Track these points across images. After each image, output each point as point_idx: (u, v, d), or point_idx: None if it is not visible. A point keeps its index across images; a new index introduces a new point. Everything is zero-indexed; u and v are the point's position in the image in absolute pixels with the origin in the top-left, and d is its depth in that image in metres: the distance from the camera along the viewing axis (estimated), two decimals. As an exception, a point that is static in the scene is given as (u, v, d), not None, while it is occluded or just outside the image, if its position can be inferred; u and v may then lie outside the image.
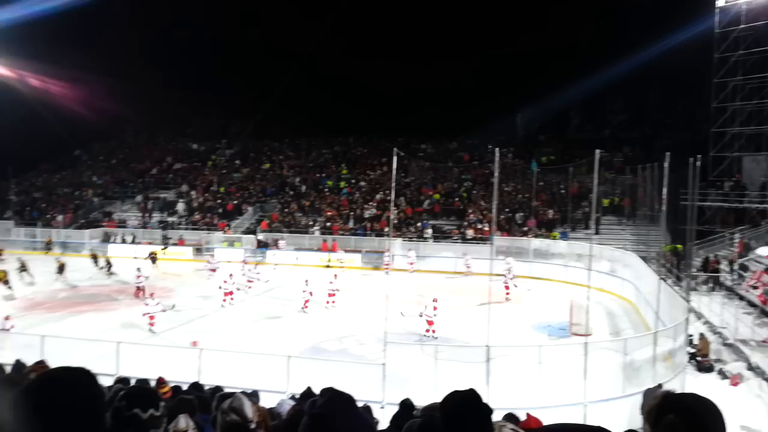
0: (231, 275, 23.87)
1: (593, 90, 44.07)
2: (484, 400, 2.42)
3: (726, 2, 33.34)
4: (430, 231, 34.46)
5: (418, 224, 35.35)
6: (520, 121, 51.86)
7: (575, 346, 16.69)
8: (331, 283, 23.18)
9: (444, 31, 51.27)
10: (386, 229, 29.81)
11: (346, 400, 2.19)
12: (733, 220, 31.73)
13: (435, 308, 19.18)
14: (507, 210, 36.07)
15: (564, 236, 32.60)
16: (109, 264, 29.12)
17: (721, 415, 1.67)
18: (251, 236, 36.01)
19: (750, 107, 33.03)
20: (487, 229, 33.40)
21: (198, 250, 35.08)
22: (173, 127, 55.09)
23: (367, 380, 13.44)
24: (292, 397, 7.26)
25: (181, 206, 41.18)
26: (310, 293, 22.42)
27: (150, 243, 35.68)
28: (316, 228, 36.37)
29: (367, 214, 37.01)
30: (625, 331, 20.08)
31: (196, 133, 55.22)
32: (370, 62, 51.60)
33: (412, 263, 30.49)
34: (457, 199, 38.54)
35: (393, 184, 16.70)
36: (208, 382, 10.45)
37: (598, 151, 17.39)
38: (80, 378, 1.74)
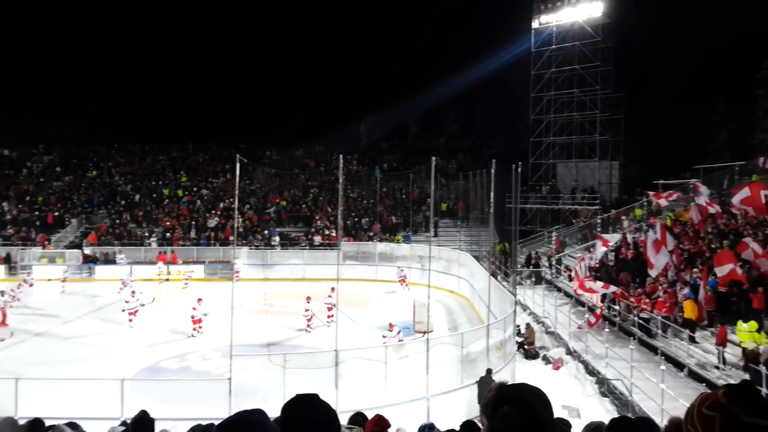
0: (133, 292, 21.64)
1: (429, 101, 47.04)
2: (334, 403, 2.40)
3: (540, 24, 37.40)
4: (277, 239, 33.97)
5: (265, 232, 34.67)
6: (363, 129, 53.33)
7: (418, 343, 17.52)
8: (194, 309, 21.28)
9: (287, 39, 51.15)
10: (231, 238, 28.80)
11: (258, 422, 2.04)
12: (550, 220, 35.58)
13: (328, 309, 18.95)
14: (353, 215, 36.81)
15: (407, 239, 34.08)
16: None
17: (548, 402, 1.81)
18: (76, 251, 32.59)
19: (561, 119, 37.31)
20: (334, 234, 33.77)
21: (12, 268, 30.97)
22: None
23: (212, 397, 12.84)
24: (123, 423, 6.67)
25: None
26: (312, 314, 20.99)
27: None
28: (153, 239, 34.00)
29: (210, 223, 35.46)
30: (462, 325, 21.46)
31: (8, 137, 48.70)
32: (211, 64, 49.83)
33: (238, 271, 29.65)
34: (303, 205, 38.47)
35: (236, 192, 16.22)
36: (27, 414, 9.26)
37: (434, 159, 18.46)
38: None
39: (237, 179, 16.58)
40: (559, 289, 24.66)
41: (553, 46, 36.96)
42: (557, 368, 16.81)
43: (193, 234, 34.78)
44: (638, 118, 38.42)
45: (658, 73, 40.35)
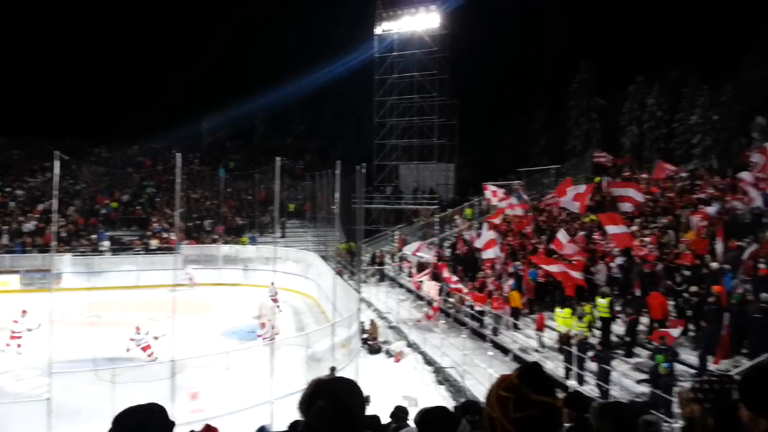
0: (24, 312, 18.09)
1: (276, 102, 46.45)
2: (170, 415, 2.26)
3: (382, 31, 38.72)
4: (107, 243, 31.20)
5: (93, 236, 31.66)
6: (206, 127, 51.10)
7: (263, 347, 17.20)
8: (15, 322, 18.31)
9: (119, 29, 47.34)
10: (52, 244, 25.84)
11: None
12: (393, 219, 37.02)
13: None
14: (195, 217, 35.08)
15: (253, 241, 33.28)
16: None
17: (360, 393, 1.88)
18: None
19: (403, 123, 38.98)
20: (173, 237, 31.87)
21: None
22: None
23: (29, 420, 11.48)
24: None
25: None
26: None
27: None
28: (-47, 248, 29.44)
29: (26, 227, 31.54)
30: (309, 326, 21.48)
31: None
32: (30, 55, 44.55)
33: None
34: (138, 207, 35.81)
35: (55, 192, 14.64)
36: None
37: (278, 159, 18.29)
38: None
39: (56, 178, 14.99)
40: (401, 285, 25.75)
41: (395, 53, 38.49)
42: (398, 361, 17.54)
43: (5, 240, 30.70)
44: (471, 123, 41.45)
45: (488, 83, 43.85)
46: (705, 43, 37.23)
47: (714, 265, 13.82)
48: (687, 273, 14.27)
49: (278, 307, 23.28)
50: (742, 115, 35.63)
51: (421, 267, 23.43)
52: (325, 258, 26.94)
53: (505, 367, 15.10)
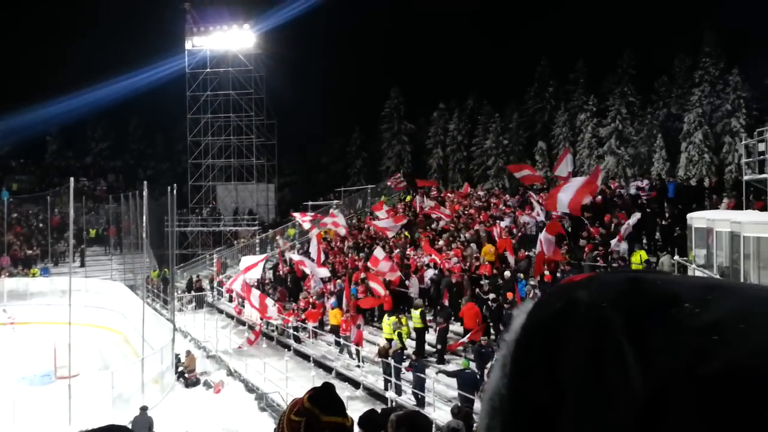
0: None
1: (72, 116, 41.84)
2: None
3: (193, 46, 37.22)
4: None
5: None
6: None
7: (58, 391, 15.29)
8: None
9: None
10: None
11: None
12: (212, 242, 35.49)
13: None
14: (-31, 248, 30.06)
15: (45, 272, 29.50)
16: None
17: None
18: None
19: (220, 142, 37.77)
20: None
21: None
22: None
23: None
24: None
25: None
26: None
27: None
28: None
29: None
30: (115, 363, 19.57)
31: None
32: None
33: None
34: None
35: None
36: None
37: (72, 179, 16.57)
38: None
39: None
40: (221, 311, 24.72)
41: (208, 70, 37.24)
42: (218, 392, 16.75)
43: None
44: (290, 144, 41.67)
45: (305, 104, 44.46)
46: (495, 74, 42.00)
47: (507, 273, 15.51)
48: (486, 282, 15.80)
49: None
50: (527, 140, 40.84)
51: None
52: (133, 287, 24.83)
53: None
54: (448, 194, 27.88)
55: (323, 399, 1.68)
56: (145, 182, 20.77)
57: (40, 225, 33.33)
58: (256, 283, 23.34)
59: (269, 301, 18.80)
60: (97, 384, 15.49)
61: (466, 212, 22.96)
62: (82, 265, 29.49)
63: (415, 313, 15.14)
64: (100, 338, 23.31)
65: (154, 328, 18.87)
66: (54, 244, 31.75)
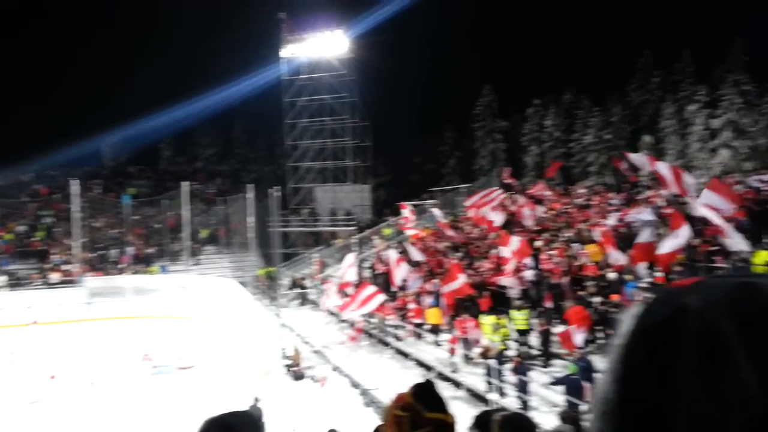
0: None
1: (183, 125, 45.05)
2: None
3: (290, 54, 38.76)
4: (3, 278, 28.77)
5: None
6: (108, 152, 48.64)
7: (182, 380, 16.59)
8: None
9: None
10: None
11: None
12: (311, 242, 36.82)
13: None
14: (98, 247, 33.11)
15: (164, 270, 31.90)
16: None
17: (257, 427, 1.92)
18: None
19: (316, 145, 39.09)
20: (75, 269, 29.93)
21: None
22: None
23: None
24: None
25: None
26: None
27: None
28: None
29: None
30: (229, 355, 20.83)
31: None
32: None
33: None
34: (35, 238, 33.33)
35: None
36: None
37: (184, 183, 17.78)
38: None
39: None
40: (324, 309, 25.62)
41: (303, 76, 38.60)
42: (323, 386, 17.41)
43: None
44: (384, 145, 42.33)
45: (397, 105, 45.02)
46: (594, 67, 40.46)
47: (612, 275, 14.93)
48: (591, 283, 15.30)
49: None
50: (631, 134, 38.93)
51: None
52: (243, 284, 26.31)
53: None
54: (546, 192, 27.12)
55: (426, 395, 1.71)
56: (249, 185, 21.81)
57: (158, 226, 36.06)
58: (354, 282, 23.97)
59: (378, 297, 19.13)
60: (213, 375, 16.65)
61: (566, 211, 22.35)
62: (197, 263, 31.60)
63: (518, 315, 14.98)
64: (214, 331, 24.90)
65: (263, 323, 19.91)
66: (170, 243, 34.26)
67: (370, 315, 20.53)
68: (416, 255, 21.03)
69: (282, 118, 39.28)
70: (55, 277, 29.74)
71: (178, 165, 47.95)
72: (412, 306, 19.01)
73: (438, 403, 1.71)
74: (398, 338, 18.94)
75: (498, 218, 20.59)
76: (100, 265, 31.62)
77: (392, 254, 22.00)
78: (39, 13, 45.89)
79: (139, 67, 48.52)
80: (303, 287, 28.73)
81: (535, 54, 44.31)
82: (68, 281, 29.26)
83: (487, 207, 20.91)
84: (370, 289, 19.10)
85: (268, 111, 42.93)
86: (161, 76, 46.81)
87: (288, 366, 18.71)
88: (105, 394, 16.06)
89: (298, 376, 18.48)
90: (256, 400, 14.70)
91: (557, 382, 12.19)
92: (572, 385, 11.46)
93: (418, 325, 18.63)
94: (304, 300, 28.09)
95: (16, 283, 29.08)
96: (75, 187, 29.67)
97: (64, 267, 30.64)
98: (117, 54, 47.99)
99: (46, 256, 31.69)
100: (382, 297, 18.98)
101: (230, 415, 1.93)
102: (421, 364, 17.03)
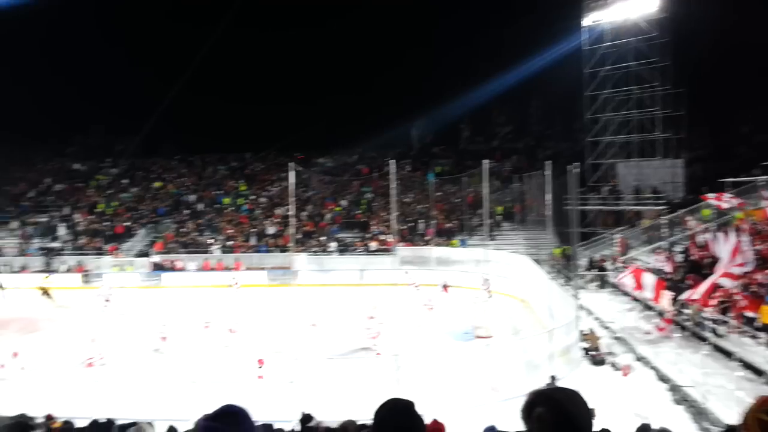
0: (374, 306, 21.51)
1: (480, 104, 46.57)
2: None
3: (592, 22, 36.49)
4: (334, 244, 34.43)
5: (323, 237, 35.17)
6: (415, 134, 53.38)
7: (479, 349, 17.40)
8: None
9: (339, 48, 51.77)
10: (290, 245, 29.40)
11: (240, 413, 2.17)
12: (612, 221, 34.52)
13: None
14: (408, 220, 36.89)
15: (463, 243, 33.86)
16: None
17: (584, 404, 1.79)
18: (144, 259, 34.04)
19: (619, 118, 36.22)
20: (390, 240, 33.95)
21: (86, 276, 32.63)
22: (51, 146, 50.93)
23: (275, 400, 13.16)
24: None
25: (63, 230, 38.13)
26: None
27: (36, 272, 32.78)
28: (216, 247, 35.10)
29: (269, 230, 36.30)
30: (524, 330, 21.12)
31: (77, 152, 51.48)
32: (263, 76, 51.13)
33: (417, 285, 27.59)
34: (358, 211, 38.86)
35: (292, 199, 16.50)
36: (106, 414, 9.80)
37: (485, 162, 18.28)
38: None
39: (292, 187, 16.90)
40: (625, 293, 23.90)
41: (606, 44, 35.98)
42: (626, 375, 16.31)
43: (253, 241, 35.69)
44: (702, 114, 36.85)
45: (722, 67, 38.54)
46: None
47: None
48: None
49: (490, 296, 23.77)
50: None
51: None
52: (537, 262, 26.23)
53: (761, 391, 13.13)
54: None
55: None
56: (548, 162, 21.40)
57: (458, 201, 38.36)
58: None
59: (666, 293, 17.28)
60: (510, 347, 17.01)
61: None
62: (492, 238, 32.66)
63: None
64: (510, 305, 25.54)
65: (559, 303, 19.54)
66: (468, 219, 36.12)
67: (683, 305, 18.37)
68: (744, 240, 17.88)
69: (581, 90, 37.44)
70: (373, 245, 34.25)
71: (477, 144, 49.99)
72: (739, 298, 16.34)
73: None
74: (717, 334, 16.52)
75: None
76: (409, 236, 35.20)
77: (715, 237, 19.16)
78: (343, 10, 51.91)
79: (440, 51, 51.43)
80: (602, 269, 27.21)
81: None
82: (384, 249, 33.35)
83: None
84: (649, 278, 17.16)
85: (566, 85, 41.37)
86: (462, 57, 48.75)
87: (586, 350, 18.04)
88: (416, 352, 17.84)
89: (597, 362, 17.68)
90: (553, 378, 14.60)
91: None
92: None
93: (748, 321, 15.93)
94: (603, 282, 26.62)
95: (344, 248, 34.38)
96: (392, 166, 33.33)
97: (381, 237, 35.04)
98: (416, 43, 51.65)
99: (367, 227, 36.65)
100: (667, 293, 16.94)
101: (557, 391, 1.91)
102: (748, 366, 14.56)
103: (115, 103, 49.02)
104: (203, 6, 46.90)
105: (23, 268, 33.76)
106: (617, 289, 24.80)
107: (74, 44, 45.45)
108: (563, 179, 28.37)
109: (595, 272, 27.35)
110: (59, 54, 46.09)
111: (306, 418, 7.19)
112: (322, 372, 15.14)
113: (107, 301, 26.30)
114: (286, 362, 15.59)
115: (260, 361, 15.71)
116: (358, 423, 6.24)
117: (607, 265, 27.47)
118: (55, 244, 36.65)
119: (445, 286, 26.20)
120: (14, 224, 39.47)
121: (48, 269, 33.08)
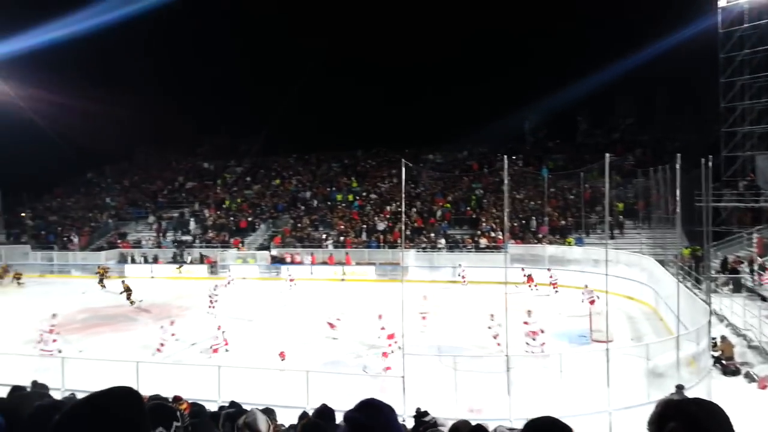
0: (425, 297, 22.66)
1: (600, 95, 44.08)
2: (507, 410, 2.34)
3: (728, 2, 33.18)
4: (443, 241, 34.32)
5: (431, 235, 35.21)
6: (528, 128, 51.86)
7: (597, 353, 16.49)
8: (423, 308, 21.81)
9: (453, 43, 51.50)
10: (400, 241, 29.73)
11: (388, 410, 2.16)
12: (749, 219, 31.31)
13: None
14: (520, 217, 35.91)
15: (579, 242, 32.35)
16: (128, 290, 27.09)
17: (726, 419, 1.60)
18: (265, 252, 36.07)
19: (760, 106, 32.73)
20: (500, 237, 33.23)
21: (212, 267, 35.22)
22: (183, 147, 55.64)
23: (387, 394, 13.32)
24: (304, 414, 7.25)
25: (193, 225, 41.43)
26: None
27: (169, 262, 36.05)
28: (329, 242, 36.37)
29: (379, 226, 36.98)
30: (647, 336, 19.80)
31: (207, 152, 55.73)
32: (375, 76, 52.14)
33: (464, 277, 29.58)
34: (468, 208, 38.43)
35: (403, 195, 16.65)
36: (226, 399, 10.43)
37: (608, 155, 17.26)
38: (127, 398, 1.70)
39: (403, 183, 17.00)
40: (764, 299, 21.60)
41: (745, 25, 32.54)
42: (764, 387, 14.75)
43: (363, 237, 36.55)
44: None
45: None
46: None
47: None
48: None
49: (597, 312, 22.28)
50: None
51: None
52: (662, 263, 24.42)
53: None
54: None
55: None
56: (678, 155, 19.84)
57: (573, 198, 36.68)
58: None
59: None
60: (632, 353, 15.98)
61: None
62: (612, 237, 30.89)
63: None
64: (631, 309, 24.02)
65: (687, 307, 18.05)
66: (585, 216, 34.42)
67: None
68: None
69: (716, 77, 34.23)
70: (483, 242, 33.69)
71: (595, 137, 47.56)
72: None
73: None
74: None
75: None
76: (520, 233, 34.24)
77: None
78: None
79: (557, 39, 49.38)
80: (737, 271, 24.75)
81: None
82: (494, 247, 32.70)
83: None
84: None
85: (696, 71, 38.08)
86: (580, 42, 46.35)
87: (717, 358, 16.54)
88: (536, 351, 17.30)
89: (730, 371, 16.16)
90: (679, 387, 13.53)
91: None
92: None
93: None
94: (738, 286, 24.20)
95: (454, 245, 34.15)
96: (505, 162, 32.55)
97: (491, 234, 34.39)
98: (531, 32, 49.93)
99: (478, 224, 36.13)
100: None
101: (691, 403, 1.73)
102: None
103: (239, 108, 52.58)
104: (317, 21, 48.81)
105: (157, 259, 37.03)
106: (754, 293, 22.46)
107: (207, 55, 49.37)
108: (694, 174, 26.17)
109: (728, 275, 24.92)
110: (192, 64, 50.15)
111: (421, 414, 7.23)
112: (432, 369, 15.17)
113: (227, 286, 28.00)
114: (401, 358, 15.78)
115: (281, 354, 16.58)
116: (473, 423, 6.15)
117: (743, 267, 24.93)
118: (187, 237, 39.88)
119: (591, 299, 23.51)
120: (151, 218, 43.47)
121: (180, 260, 36.10)
